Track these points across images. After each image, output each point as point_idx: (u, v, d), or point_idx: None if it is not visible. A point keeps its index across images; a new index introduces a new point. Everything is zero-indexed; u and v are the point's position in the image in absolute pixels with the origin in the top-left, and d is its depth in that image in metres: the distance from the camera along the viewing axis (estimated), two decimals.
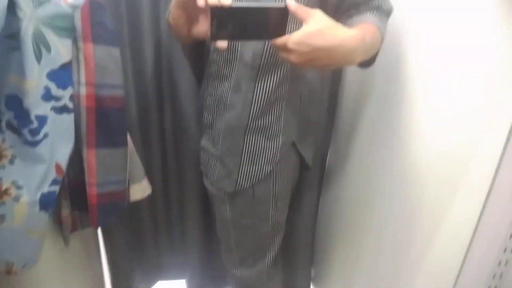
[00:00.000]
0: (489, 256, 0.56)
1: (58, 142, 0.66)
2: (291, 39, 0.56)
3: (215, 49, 0.76)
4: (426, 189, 0.68)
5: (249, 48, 0.70)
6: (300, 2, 0.60)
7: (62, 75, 0.64)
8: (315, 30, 0.55)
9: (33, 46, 0.58)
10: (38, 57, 0.60)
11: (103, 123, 0.74)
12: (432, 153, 0.66)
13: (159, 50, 1.01)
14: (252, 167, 0.78)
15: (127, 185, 0.85)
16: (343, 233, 1.09)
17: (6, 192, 0.63)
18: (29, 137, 0.62)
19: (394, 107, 0.78)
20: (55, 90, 0.64)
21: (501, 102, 0.52)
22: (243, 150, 0.77)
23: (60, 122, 0.66)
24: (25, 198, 0.64)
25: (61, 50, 0.63)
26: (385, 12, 0.71)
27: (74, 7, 0.64)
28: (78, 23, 0.65)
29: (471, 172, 0.57)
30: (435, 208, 0.66)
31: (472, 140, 0.57)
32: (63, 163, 0.69)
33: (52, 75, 0.63)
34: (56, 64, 0.63)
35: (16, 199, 0.64)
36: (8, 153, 0.63)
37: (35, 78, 0.60)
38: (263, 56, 0.70)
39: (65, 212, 0.83)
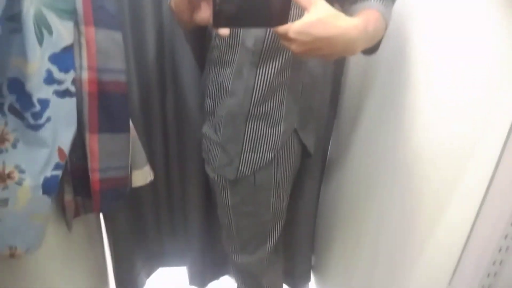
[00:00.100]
0: (485, 253, 0.57)
1: (60, 126, 0.66)
2: (292, 28, 0.55)
3: (217, 34, 0.76)
4: (427, 180, 0.68)
5: (251, 34, 0.69)
6: None
7: (64, 58, 0.64)
8: (316, 19, 0.55)
9: (34, 28, 0.57)
10: (40, 40, 0.59)
11: (105, 108, 0.74)
12: (434, 144, 0.66)
13: (161, 35, 1.00)
14: (254, 154, 0.78)
15: (129, 171, 0.85)
16: (343, 222, 1.10)
17: (9, 176, 0.63)
18: (31, 121, 0.62)
19: (397, 97, 0.78)
20: (57, 74, 0.64)
21: (503, 94, 0.51)
22: (244, 137, 0.77)
23: (62, 106, 0.66)
24: (28, 182, 0.64)
25: (62, 32, 0.63)
26: None
27: None
28: (79, 6, 0.64)
29: (472, 165, 0.57)
30: (435, 199, 0.66)
31: (475, 132, 0.56)
32: (66, 148, 0.69)
33: (54, 58, 0.63)
34: (58, 47, 0.63)
35: (19, 183, 0.64)
36: (11, 137, 0.63)
37: (37, 61, 0.59)
38: (265, 42, 0.69)
39: (68, 197, 0.83)
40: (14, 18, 0.57)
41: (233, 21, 0.56)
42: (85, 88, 0.71)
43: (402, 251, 0.76)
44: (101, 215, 1.17)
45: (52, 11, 0.61)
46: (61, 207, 0.85)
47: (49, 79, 0.63)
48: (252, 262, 0.92)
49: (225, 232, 0.93)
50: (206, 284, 1.36)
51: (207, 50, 0.83)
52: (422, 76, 0.71)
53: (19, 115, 0.62)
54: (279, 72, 0.72)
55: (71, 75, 0.66)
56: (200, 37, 0.86)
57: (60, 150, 0.68)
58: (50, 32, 0.61)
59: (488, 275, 0.57)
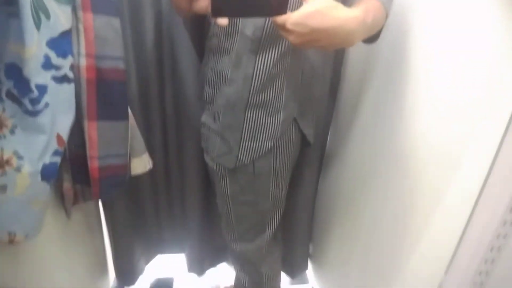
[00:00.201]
0: (480, 245, 0.57)
1: (58, 112, 0.66)
2: (290, 19, 0.54)
3: (215, 23, 0.75)
4: (424, 172, 0.68)
5: (251, 21, 0.69)
6: None
7: (61, 43, 0.63)
8: (314, 10, 0.54)
9: (32, 12, 0.56)
10: (38, 24, 0.58)
11: (103, 96, 0.73)
12: (432, 136, 0.66)
13: (160, 23, 0.99)
14: (253, 143, 0.78)
15: (128, 159, 0.85)
16: (341, 211, 1.11)
17: (7, 162, 0.63)
18: (29, 107, 0.61)
19: (397, 88, 0.78)
20: (55, 59, 0.63)
21: (502, 87, 0.51)
22: (243, 125, 0.77)
23: (60, 92, 0.65)
24: (26, 168, 0.64)
25: (60, 17, 0.62)
26: None
27: None
28: None
29: (469, 159, 0.57)
30: (432, 190, 0.66)
31: (473, 125, 0.56)
32: (64, 134, 0.68)
33: (52, 43, 0.62)
34: (55, 32, 0.62)
35: (18, 169, 0.63)
36: (9, 122, 0.62)
37: (35, 46, 0.58)
38: (265, 29, 0.68)
39: (67, 185, 0.84)
40: (11, 1, 0.56)
41: (231, 11, 0.55)
42: (83, 75, 0.70)
43: (398, 240, 0.77)
44: (100, 203, 1.18)
45: None
46: (59, 195, 0.85)
47: (47, 64, 0.63)
48: (251, 250, 0.93)
49: (224, 220, 0.94)
50: (204, 272, 1.38)
51: (206, 38, 0.82)
52: (422, 67, 0.70)
53: (16, 100, 0.61)
54: (278, 60, 0.72)
55: (69, 61, 0.65)
56: (199, 25, 0.85)
57: (59, 137, 0.67)
58: (48, 16, 0.60)
59: (481, 273, 0.59)
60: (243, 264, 0.98)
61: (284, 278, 1.38)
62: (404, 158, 0.75)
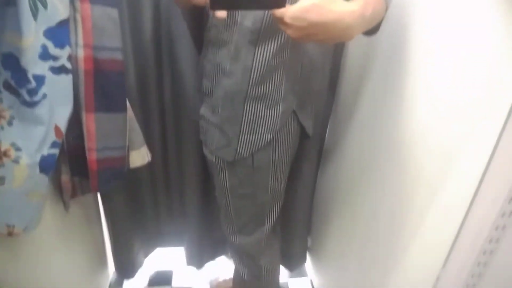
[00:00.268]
0: (479, 236, 0.57)
1: (56, 103, 0.65)
2: (288, 13, 0.54)
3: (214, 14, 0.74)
4: (422, 165, 0.68)
5: (250, 13, 0.68)
6: None
7: (59, 33, 0.62)
8: (312, 4, 0.54)
9: (29, 1, 0.56)
10: (35, 13, 0.58)
11: (101, 87, 0.73)
12: (431, 129, 0.66)
13: (158, 15, 0.98)
14: (252, 136, 0.77)
15: (126, 151, 0.85)
16: (339, 204, 1.11)
17: (5, 153, 0.62)
18: (27, 98, 0.61)
19: (396, 82, 0.77)
20: (52, 49, 0.62)
21: (503, 79, 0.51)
22: (242, 118, 0.76)
23: (58, 83, 0.65)
24: (24, 160, 0.63)
25: (57, 6, 0.61)
26: None
27: None
28: None
29: (468, 151, 0.57)
30: (429, 183, 0.66)
31: (472, 118, 0.56)
32: (62, 126, 0.68)
33: (49, 33, 0.61)
34: (53, 21, 0.61)
35: (16, 161, 0.63)
36: (7, 114, 0.62)
37: (32, 36, 0.58)
38: (264, 21, 0.68)
39: (65, 177, 0.83)
40: None
41: (230, 3, 0.55)
42: (81, 65, 0.69)
43: (396, 233, 0.77)
44: (98, 196, 1.18)
45: None
46: (58, 188, 0.85)
47: (45, 55, 0.62)
48: (250, 243, 0.93)
49: (223, 213, 0.94)
50: (203, 265, 1.39)
51: (205, 29, 0.81)
52: (421, 62, 0.70)
53: (14, 91, 0.61)
54: (277, 52, 0.71)
55: (66, 51, 0.65)
56: (198, 16, 0.84)
57: (57, 128, 0.67)
58: (45, 5, 0.59)
59: (479, 264, 0.59)
60: (242, 257, 0.98)
61: (283, 271, 1.38)
62: (403, 151, 0.75)
